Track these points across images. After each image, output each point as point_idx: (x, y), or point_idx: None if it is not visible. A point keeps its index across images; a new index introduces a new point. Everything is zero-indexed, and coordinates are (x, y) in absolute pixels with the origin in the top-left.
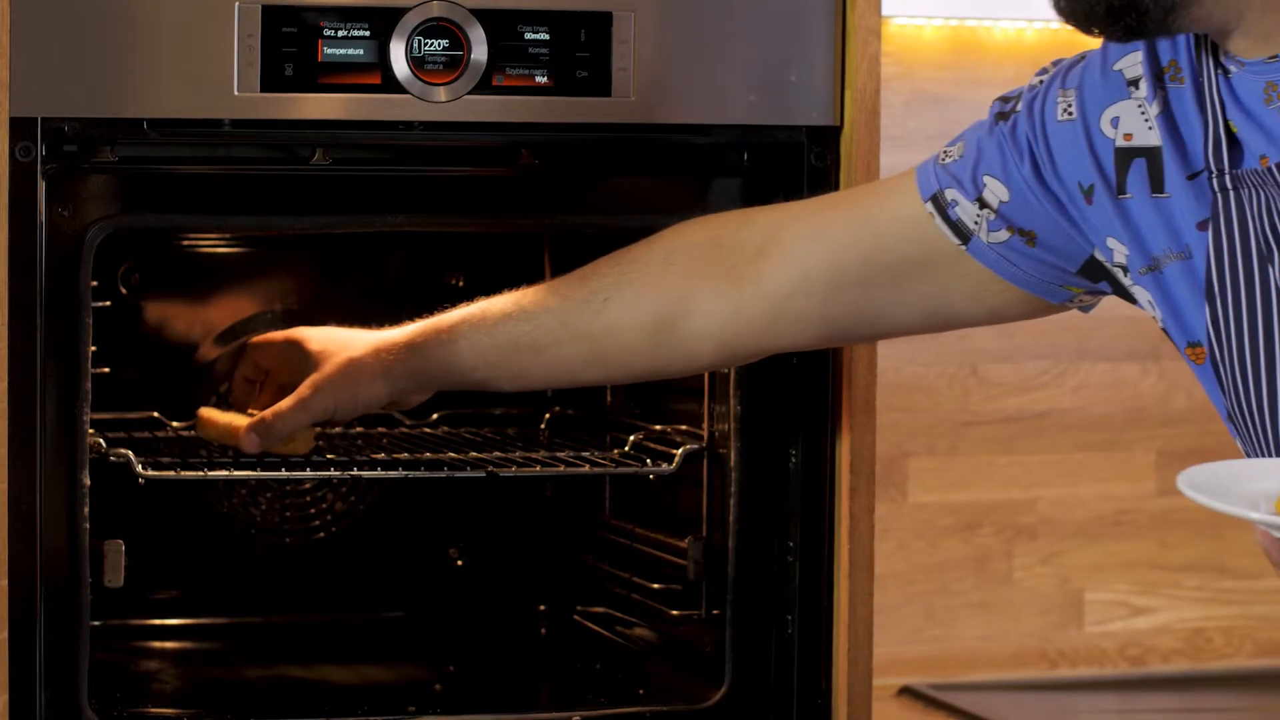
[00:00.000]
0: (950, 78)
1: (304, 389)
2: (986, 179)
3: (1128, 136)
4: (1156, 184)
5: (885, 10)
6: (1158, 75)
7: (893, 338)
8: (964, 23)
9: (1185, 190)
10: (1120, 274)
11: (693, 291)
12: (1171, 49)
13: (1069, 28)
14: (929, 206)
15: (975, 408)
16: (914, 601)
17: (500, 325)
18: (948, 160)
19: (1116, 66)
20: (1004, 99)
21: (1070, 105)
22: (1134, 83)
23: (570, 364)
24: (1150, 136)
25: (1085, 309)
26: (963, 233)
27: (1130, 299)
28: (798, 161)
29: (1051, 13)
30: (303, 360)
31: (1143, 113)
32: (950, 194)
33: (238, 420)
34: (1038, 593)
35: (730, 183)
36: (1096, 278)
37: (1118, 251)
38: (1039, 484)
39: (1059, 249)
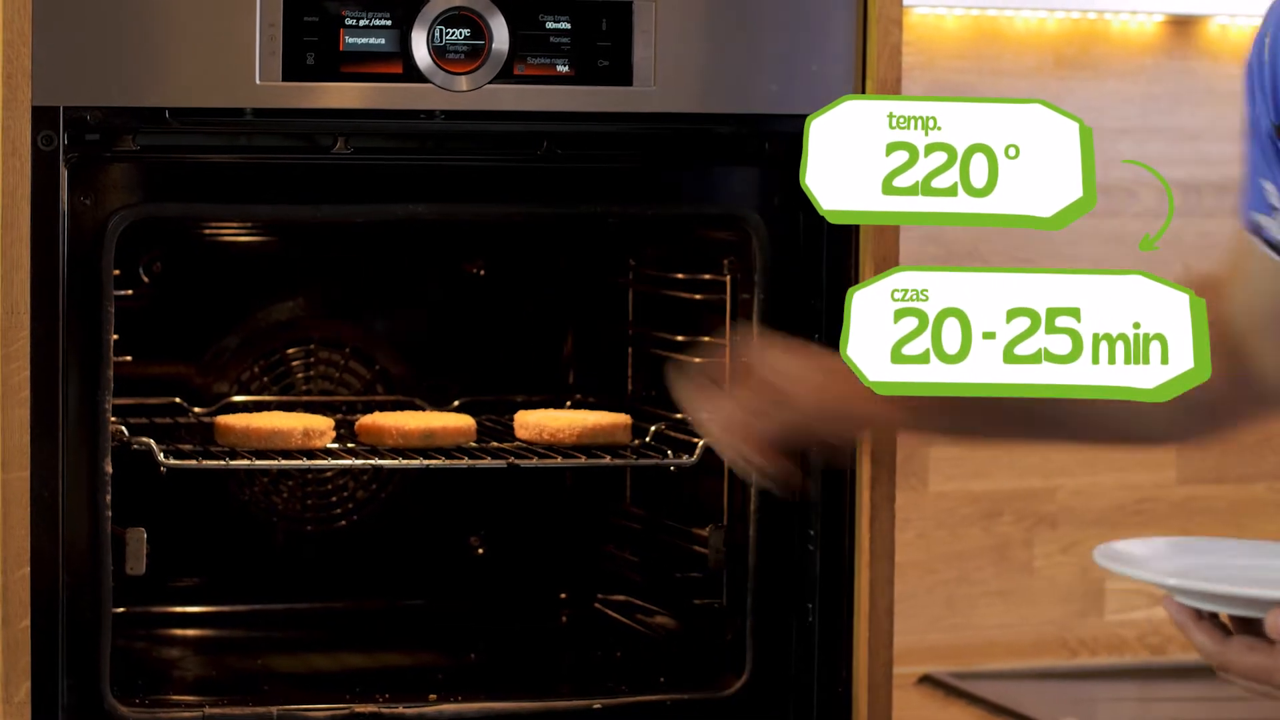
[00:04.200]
0: (971, 67)
1: None
2: (1265, 183)
3: None
4: None
5: (906, 0)
6: None
7: None
8: (985, 12)
9: None
10: None
11: None
12: None
13: (1091, 18)
14: (1254, 238)
15: None
16: (934, 590)
17: None
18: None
19: None
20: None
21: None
22: None
23: None
24: None
25: None
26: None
27: None
28: None
29: (1073, 2)
30: None
31: None
32: (1259, 218)
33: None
34: (1058, 581)
35: (751, 172)
36: None
37: None
38: (1059, 473)
39: None
